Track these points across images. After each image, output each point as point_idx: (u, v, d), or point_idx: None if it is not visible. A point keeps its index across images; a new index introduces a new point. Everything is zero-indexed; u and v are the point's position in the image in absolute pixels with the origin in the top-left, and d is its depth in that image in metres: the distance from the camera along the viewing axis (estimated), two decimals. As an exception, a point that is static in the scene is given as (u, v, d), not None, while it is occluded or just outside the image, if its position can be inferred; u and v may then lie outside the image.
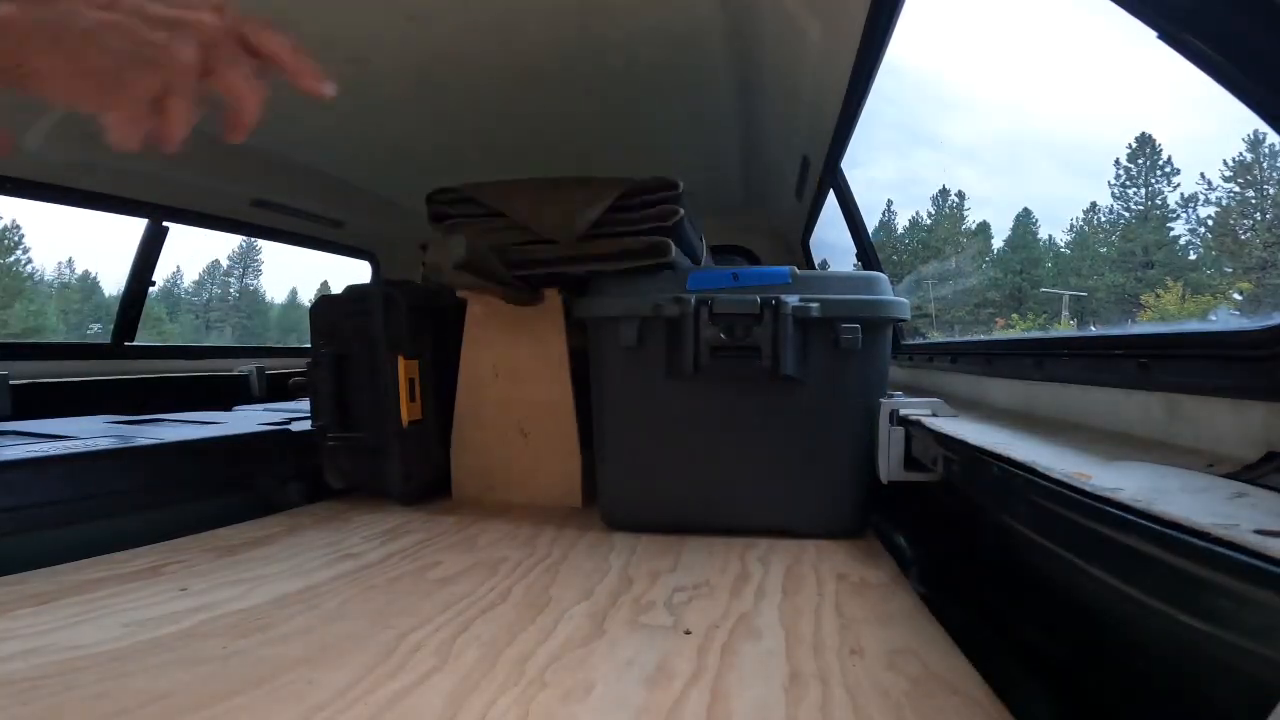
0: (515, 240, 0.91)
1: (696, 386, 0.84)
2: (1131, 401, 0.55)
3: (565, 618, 0.55)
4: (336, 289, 1.13)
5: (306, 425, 1.08)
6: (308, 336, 1.08)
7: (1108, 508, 0.36)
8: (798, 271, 0.86)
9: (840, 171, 1.33)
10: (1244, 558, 0.26)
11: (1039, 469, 0.45)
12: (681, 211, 0.89)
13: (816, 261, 1.88)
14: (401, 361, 0.98)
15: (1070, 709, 0.47)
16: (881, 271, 1.04)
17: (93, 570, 0.66)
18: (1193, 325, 0.51)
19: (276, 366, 1.82)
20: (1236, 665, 0.27)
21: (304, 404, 1.34)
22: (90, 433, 0.95)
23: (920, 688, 0.42)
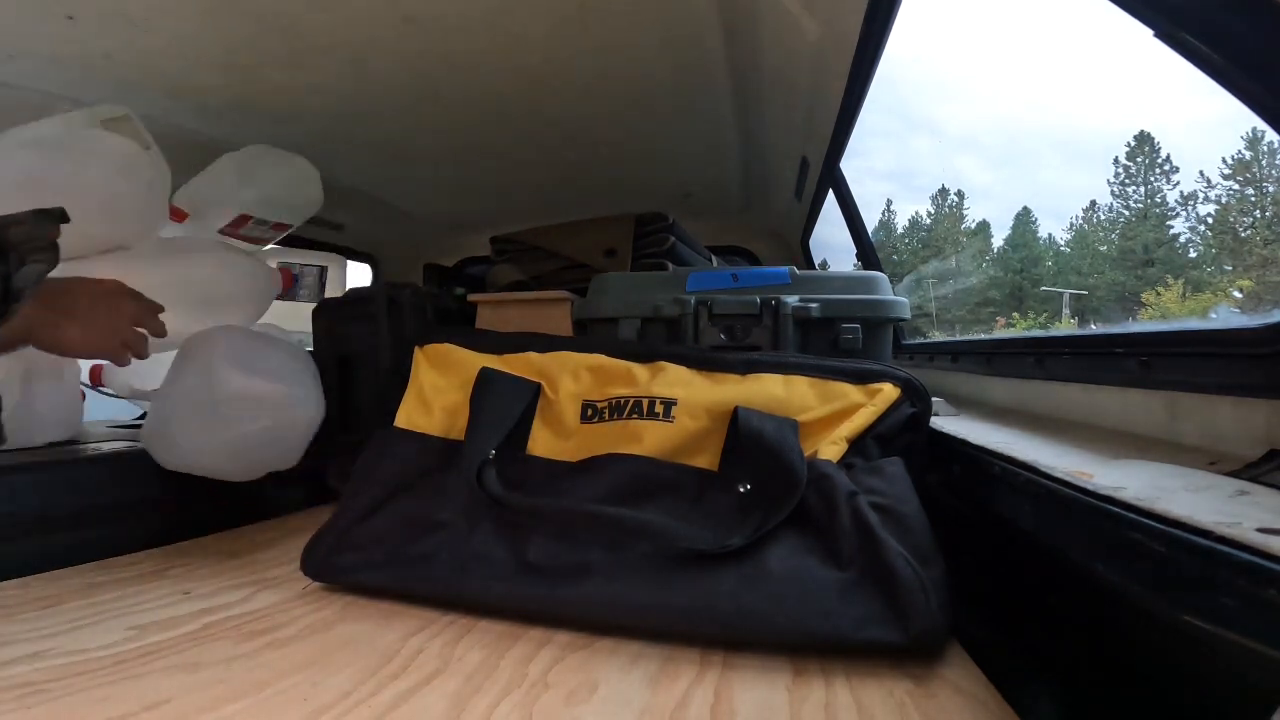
0: (554, 267, 1.14)
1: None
2: (1132, 400, 0.55)
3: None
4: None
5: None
6: (309, 340, 1.08)
7: (1110, 506, 0.36)
8: (797, 271, 0.86)
9: (839, 171, 1.33)
10: (1247, 556, 0.27)
11: (1040, 468, 0.45)
12: (672, 239, 1.09)
13: (816, 262, 1.88)
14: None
15: (1073, 708, 0.47)
16: (881, 271, 1.04)
17: (96, 574, 0.66)
18: (1193, 323, 0.51)
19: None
20: (1240, 664, 0.27)
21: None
22: (92, 437, 0.95)
23: (924, 687, 0.42)
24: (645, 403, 0.60)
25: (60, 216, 0.56)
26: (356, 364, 1.01)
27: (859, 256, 1.57)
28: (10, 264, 0.53)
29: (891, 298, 0.86)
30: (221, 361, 0.76)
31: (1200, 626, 0.28)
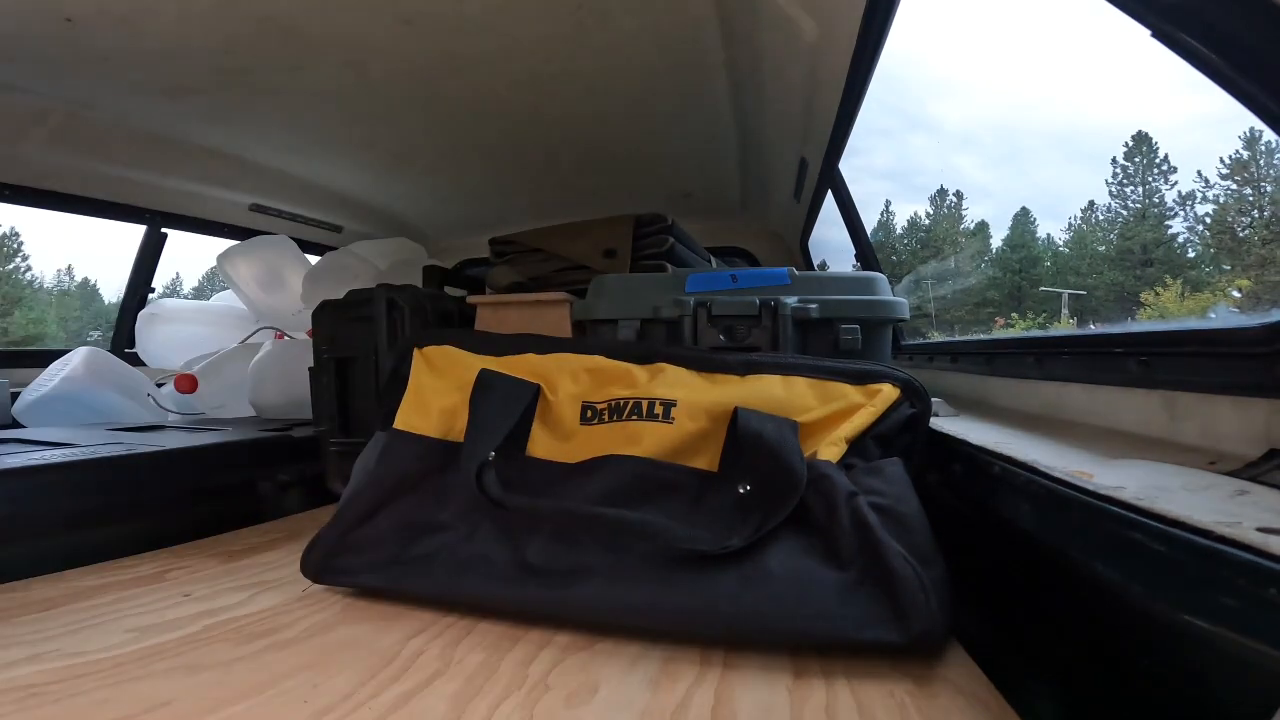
0: (553, 269, 1.13)
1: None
2: (1132, 400, 0.55)
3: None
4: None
5: (308, 430, 1.08)
6: (308, 341, 1.08)
7: (1109, 506, 0.36)
8: (796, 272, 0.86)
9: (838, 172, 1.34)
10: (1246, 555, 0.27)
11: (1040, 468, 0.45)
12: (671, 240, 1.09)
13: (815, 262, 1.88)
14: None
15: (1073, 708, 0.47)
16: (880, 272, 1.04)
17: (95, 577, 0.66)
18: (1193, 323, 0.51)
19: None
20: (1240, 664, 0.27)
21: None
22: (91, 440, 0.95)
23: (924, 687, 0.42)
24: (645, 404, 0.60)
25: None
26: (355, 366, 1.01)
27: (858, 257, 1.57)
28: None
29: (891, 298, 0.86)
30: None
31: (1200, 626, 0.28)
